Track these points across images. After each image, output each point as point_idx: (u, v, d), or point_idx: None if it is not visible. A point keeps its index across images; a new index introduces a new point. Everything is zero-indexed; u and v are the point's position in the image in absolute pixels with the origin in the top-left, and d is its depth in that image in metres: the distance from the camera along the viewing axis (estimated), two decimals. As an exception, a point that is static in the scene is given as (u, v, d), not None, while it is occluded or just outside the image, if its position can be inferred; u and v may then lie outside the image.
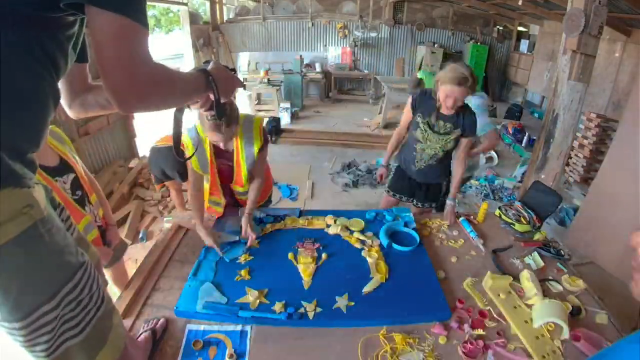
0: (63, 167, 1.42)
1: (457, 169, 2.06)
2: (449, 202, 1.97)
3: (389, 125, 6.31)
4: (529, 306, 1.35)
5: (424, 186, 2.21)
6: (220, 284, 1.40)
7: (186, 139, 1.61)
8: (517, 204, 1.98)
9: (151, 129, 6.47)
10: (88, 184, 1.55)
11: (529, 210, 1.92)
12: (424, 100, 1.97)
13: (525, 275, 1.44)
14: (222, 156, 1.71)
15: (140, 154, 5.20)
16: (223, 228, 1.75)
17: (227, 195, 1.85)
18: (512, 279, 1.46)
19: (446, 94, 1.79)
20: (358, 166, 4.76)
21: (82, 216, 1.46)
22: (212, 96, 0.94)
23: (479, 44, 8.31)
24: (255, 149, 1.67)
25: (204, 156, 1.65)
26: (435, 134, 1.96)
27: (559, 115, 2.73)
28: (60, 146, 1.46)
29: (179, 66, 10.22)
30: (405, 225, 1.81)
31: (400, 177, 2.27)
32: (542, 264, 1.58)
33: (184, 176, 2.72)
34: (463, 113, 1.92)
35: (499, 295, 1.40)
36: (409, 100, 2.02)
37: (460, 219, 1.91)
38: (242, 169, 1.72)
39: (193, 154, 1.49)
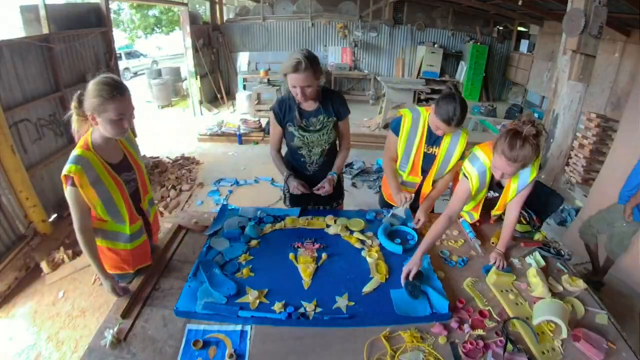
0: (126, 165, 1.47)
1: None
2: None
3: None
4: (532, 303, 1.36)
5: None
6: (219, 283, 1.40)
7: None
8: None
9: (151, 129, 6.48)
10: (145, 186, 1.57)
11: (529, 210, 1.92)
12: (285, 107, 1.85)
13: (532, 272, 1.47)
14: None
15: (140, 154, 5.21)
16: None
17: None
18: (515, 277, 1.48)
19: (292, 84, 1.68)
20: (352, 166, 4.76)
21: (135, 219, 1.48)
22: None
23: (479, 44, 8.31)
24: None
25: None
26: (313, 132, 1.87)
27: (559, 115, 2.73)
28: (129, 146, 1.52)
29: (179, 66, 10.23)
30: (404, 224, 1.81)
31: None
32: (543, 263, 1.58)
33: None
34: (328, 98, 1.85)
35: (502, 291, 1.41)
36: (271, 115, 1.89)
37: (461, 219, 1.91)
38: None
39: None
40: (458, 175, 1.84)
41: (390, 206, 2.14)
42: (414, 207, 2.00)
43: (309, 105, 1.84)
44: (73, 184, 1.26)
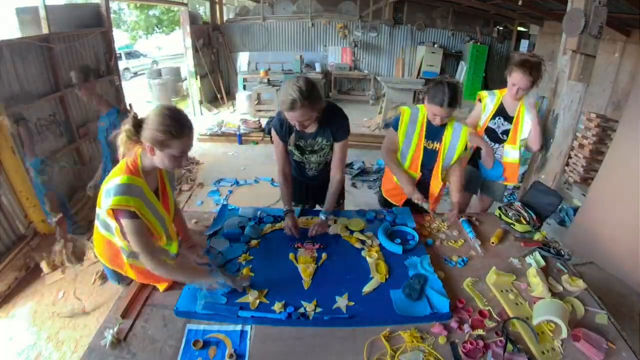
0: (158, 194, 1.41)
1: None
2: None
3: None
4: (532, 303, 1.36)
5: (318, 188, 2.07)
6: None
7: None
8: (517, 204, 1.98)
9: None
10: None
11: (529, 210, 1.92)
12: (285, 127, 1.79)
13: (532, 271, 1.47)
14: None
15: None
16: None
17: None
18: (515, 277, 1.48)
19: (289, 118, 1.66)
20: (352, 166, 4.76)
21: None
22: None
23: (479, 44, 8.31)
24: None
25: None
26: (311, 154, 1.88)
27: (559, 115, 2.72)
28: (165, 177, 1.47)
29: (179, 66, 10.22)
30: (405, 224, 1.81)
31: (299, 186, 2.09)
32: (543, 263, 1.58)
33: None
34: (328, 120, 1.77)
35: (502, 291, 1.41)
36: (274, 133, 1.85)
37: (461, 219, 1.91)
38: None
39: None
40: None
41: (389, 205, 2.15)
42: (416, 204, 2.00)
43: (308, 128, 1.77)
44: (135, 217, 1.21)
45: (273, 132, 1.85)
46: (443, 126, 1.89)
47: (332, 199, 1.86)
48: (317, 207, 2.15)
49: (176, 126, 1.19)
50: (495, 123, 2.22)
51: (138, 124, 1.22)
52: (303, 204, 2.13)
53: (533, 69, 1.98)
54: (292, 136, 1.81)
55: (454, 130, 1.89)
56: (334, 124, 1.78)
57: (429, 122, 1.90)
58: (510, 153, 2.22)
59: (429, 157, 1.96)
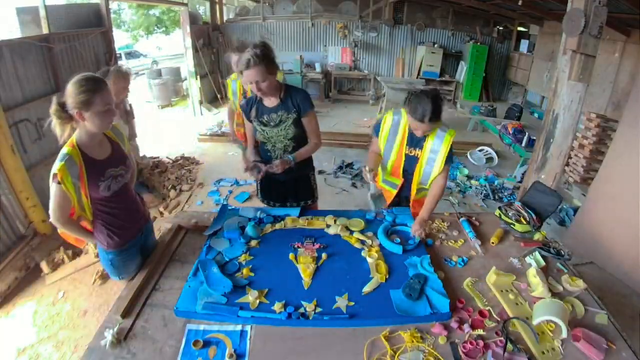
0: (116, 158, 1.53)
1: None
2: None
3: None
4: (532, 303, 1.36)
5: (293, 182, 2.11)
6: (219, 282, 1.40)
7: None
8: (517, 204, 1.98)
9: (151, 129, 6.48)
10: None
11: (529, 210, 1.92)
12: (251, 104, 1.93)
13: (532, 272, 1.47)
14: None
15: (140, 154, 5.19)
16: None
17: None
18: (515, 277, 1.48)
19: (245, 80, 1.77)
20: (352, 166, 4.76)
21: None
22: None
23: (479, 44, 8.31)
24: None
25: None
26: (272, 127, 1.91)
27: (559, 115, 2.72)
28: (115, 137, 1.58)
29: (179, 66, 10.22)
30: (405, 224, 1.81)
31: (268, 182, 2.13)
32: (543, 263, 1.58)
33: None
34: (290, 95, 1.87)
35: (502, 291, 1.41)
36: (242, 113, 2.00)
37: (461, 219, 1.91)
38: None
39: None
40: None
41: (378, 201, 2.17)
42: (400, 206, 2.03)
43: (270, 102, 1.89)
44: (59, 182, 1.30)
45: (242, 113, 1.97)
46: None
47: (303, 150, 1.97)
48: (287, 206, 2.19)
49: (91, 82, 1.32)
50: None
51: (62, 103, 1.33)
52: (274, 202, 2.20)
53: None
54: (253, 109, 1.90)
55: (436, 137, 1.80)
56: (297, 96, 1.88)
57: (410, 129, 1.84)
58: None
59: (411, 164, 1.91)
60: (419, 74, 8.32)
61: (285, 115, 1.88)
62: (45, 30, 3.54)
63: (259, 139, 1.98)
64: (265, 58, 1.68)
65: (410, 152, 1.89)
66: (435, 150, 1.81)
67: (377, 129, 1.97)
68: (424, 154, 1.85)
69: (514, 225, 1.87)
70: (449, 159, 1.81)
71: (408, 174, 1.96)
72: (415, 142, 1.86)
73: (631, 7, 3.73)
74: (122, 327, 1.24)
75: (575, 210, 3.62)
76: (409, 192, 2.00)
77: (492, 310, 1.34)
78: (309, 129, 1.96)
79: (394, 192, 2.02)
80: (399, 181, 1.99)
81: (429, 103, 1.62)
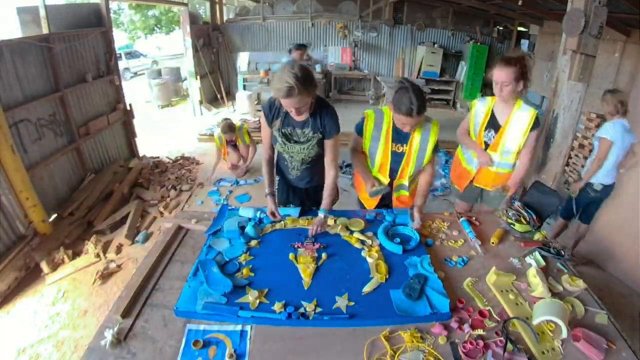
0: None
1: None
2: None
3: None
4: (532, 303, 1.36)
5: (304, 190, 2.09)
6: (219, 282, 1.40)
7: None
8: (517, 204, 1.98)
9: (151, 129, 6.48)
10: None
11: (529, 210, 1.92)
12: (275, 111, 1.79)
13: (532, 271, 1.47)
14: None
15: (140, 154, 5.20)
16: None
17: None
18: (515, 277, 1.48)
19: (284, 105, 1.66)
20: (352, 166, 4.76)
21: None
22: None
23: (479, 44, 8.30)
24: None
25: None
26: (295, 144, 1.83)
27: (559, 115, 2.72)
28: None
29: (179, 66, 10.23)
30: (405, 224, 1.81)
31: (283, 188, 2.13)
32: (543, 263, 1.57)
33: None
34: (319, 112, 1.76)
35: (502, 291, 1.41)
36: (261, 114, 1.85)
37: (461, 219, 1.91)
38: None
39: None
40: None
41: (364, 206, 2.15)
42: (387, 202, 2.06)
43: (298, 116, 1.76)
44: None
45: (261, 115, 1.85)
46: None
47: (327, 194, 1.84)
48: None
49: None
50: (487, 135, 2.15)
51: None
52: (292, 205, 2.12)
53: (512, 61, 1.88)
54: (277, 120, 1.79)
55: (423, 130, 1.82)
56: (324, 117, 1.77)
57: (394, 125, 1.84)
58: (495, 161, 2.14)
59: (398, 160, 1.92)
60: (419, 74, 8.33)
61: (311, 134, 1.80)
62: (45, 30, 3.55)
63: (277, 149, 1.90)
64: (305, 83, 1.55)
65: (398, 149, 1.91)
66: (423, 144, 1.85)
67: (359, 128, 1.96)
68: (412, 148, 1.87)
69: (514, 225, 1.87)
70: (436, 148, 1.87)
71: (395, 171, 1.96)
72: (401, 137, 1.88)
73: (631, 7, 3.72)
74: (122, 327, 1.24)
75: (575, 210, 3.61)
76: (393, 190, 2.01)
77: (492, 310, 1.34)
78: (329, 153, 1.83)
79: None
80: (387, 179, 1.99)
81: (413, 96, 1.63)
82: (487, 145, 2.15)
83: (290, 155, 1.90)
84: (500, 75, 1.89)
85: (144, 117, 7.02)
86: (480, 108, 2.16)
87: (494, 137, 2.10)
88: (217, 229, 1.77)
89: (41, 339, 2.30)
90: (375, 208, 2.06)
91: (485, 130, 2.14)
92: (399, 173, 1.95)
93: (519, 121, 2.02)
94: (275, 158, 2.03)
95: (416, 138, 1.84)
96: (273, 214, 1.81)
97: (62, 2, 8.91)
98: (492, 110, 2.11)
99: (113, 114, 4.60)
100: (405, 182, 1.98)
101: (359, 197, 2.23)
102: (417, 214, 1.82)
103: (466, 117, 2.25)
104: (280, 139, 1.83)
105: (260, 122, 1.90)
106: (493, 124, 2.11)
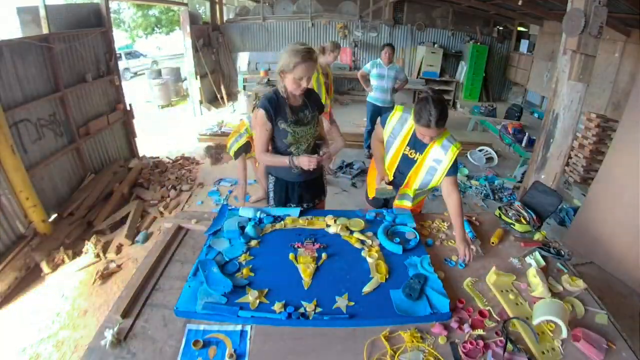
0: None
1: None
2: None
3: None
4: (532, 303, 1.36)
5: (310, 182, 2.08)
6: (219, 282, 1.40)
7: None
8: (517, 204, 1.98)
9: (151, 129, 6.48)
10: None
11: (529, 210, 1.92)
12: (275, 105, 1.80)
13: (532, 271, 1.47)
14: None
15: (140, 154, 5.20)
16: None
17: None
18: (515, 277, 1.48)
19: (300, 75, 1.72)
20: (352, 166, 4.76)
21: None
22: None
23: (479, 44, 8.31)
24: None
25: None
26: (304, 126, 1.88)
27: (559, 115, 2.73)
28: None
29: (179, 66, 10.22)
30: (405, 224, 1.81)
31: (280, 187, 2.07)
32: (543, 263, 1.58)
33: None
34: (307, 94, 1.89)
35: (502, 291, 1.41)
36: (261, 113, 1.79)
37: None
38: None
39: None
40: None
41: (375, 204, 2.15)
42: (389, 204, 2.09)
43: (295, 101, 1.86)
44: None
45: (260, 114, 1.79)
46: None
47: (337, 146, 2.09)
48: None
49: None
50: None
51: None
52: (287, 203, 2.11)
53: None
54: (286, 112, 1.82)
55: (442, 146, 1.76)
56: (312, 96, 1.93)
57: (415, 132, 1.79)
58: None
59: (406, 164, 1.90)
60: (419, 74, 8.33)
61: (310, 113, 1.90)
62: (45, 30, 3.54)
63: (288, 142, 1.87)
64: (315, 52, 1.73)
65: (410, 154, 1.87)
66: (437, 159, 1.78)
67: (384, 120, 1.95)
68: (424, 160, 1.83)
69: (514, 225, 1.87)
70: (454, 169, 1.78)
71: (399, 172, 1.94)
72: (418, 145, 1.83)
73: (631, 7, 3.73)
74: (122, 327, 1.24)
75: (575, 210, 3.62)
76: (395, 188, 1.98)
77: (492, 310, 1.34)
78: (326, 119, 2.07)
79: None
80: (391, 177, 1.99)
81: (433, 108, 1.58)
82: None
83: (298, 144, 1.89)
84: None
85: (144, 117, 7.02)
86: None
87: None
88: (217, 229, 1.77)
89: (41, 339, 2.30)
90: (377, 208, 2.06)
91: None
92: (406, 180, 1.92)
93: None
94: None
95: (432, 152, 1.79)
96: (310, 160, 1.78)
97: (62, 2, 8.91)
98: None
99: (113, 114, 4.60)
100: (410, 194, 1.96)
101: (368, 195, 2.22)
102: (464, 247, 1.63)
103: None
104: (290, 128, 1.83)
105: (254, 123, 1.86)
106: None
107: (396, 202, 2.03)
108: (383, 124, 1.94)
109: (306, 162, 1.79)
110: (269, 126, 1.83)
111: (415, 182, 1.90)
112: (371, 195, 2.11)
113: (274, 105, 1.81)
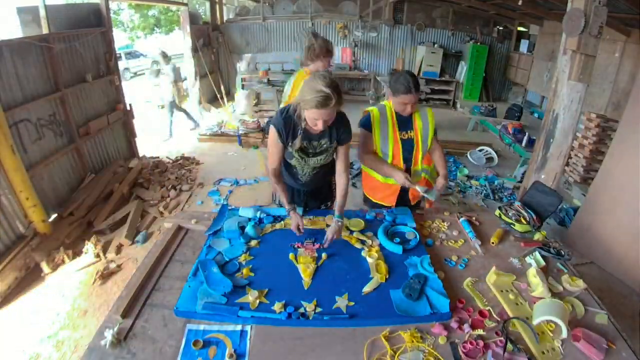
0: None
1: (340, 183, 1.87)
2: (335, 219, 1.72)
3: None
4: (532, 303, 1.36)
5: (311, 193, 2.07)
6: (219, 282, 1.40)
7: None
8: (517, 204, 1.98)
9: (151, 129, 6.48)
10: None
11: (529, 210, 1.92)
12: (290, 127, 1.67)
13: (532, 271, 1.47)
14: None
15: (140, 154, 5.20)
16: None
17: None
18: (515, 277, 1.48)
19: (314, 117, 1.54)
20: (352, 166, 4.76)
21: None
22: None
23: (479, 44, 8.31)
24: None
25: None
26: (312, 157, 1.78)
27: (559, 115, 2.72)
28: None
29: (179, 66, 10.22)
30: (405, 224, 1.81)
31: (289, 192, 1.99)
32: (543, 263, 1.58)
33: None
34: (334, 122, 1.65)
35: (502, 291, 1.41)
36: (273, 131, 1.69)
37: (461, 219, 1.91)
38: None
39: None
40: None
41: (375, 205, 2.14)
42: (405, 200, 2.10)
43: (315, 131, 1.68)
44: None
45: (272, 131, 1.70)
46: (410, 115, 1.98)
47: (342, 201, 1.82)
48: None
49: None
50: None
51: None
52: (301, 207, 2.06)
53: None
54: (297, 139, 1.68)
55: (421, 115, 2.01)
56: (338, 125, 1.71)
57: (397, 115, 1.97)
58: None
59: (408, 147, 2.01)
60: (419, 74, 8.33)
61: (328, 144, 1.76)
62: (45, 30, 3.54)
63: (292, 163, 1.83)
64: (340, 91, 1.50)
65: (404, 136, 2.00)
66: (425, 126, 2.01)
67: (367, 124, 1.99)
68: (418, 133, 2.00)
69: (514, 225, 1.87)
70: (435, 131, 2.05)
71: (407, 160, 2.02)
72: (405, 124, 1.99)
73: (631, 7, 3.73)
74: (122, 327, 1.24)
75: (575, 210, 3.61)
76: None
77: (492, 310, 1.34)
78: (342, 160, 1.82)
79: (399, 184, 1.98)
80: (402, 167, 2.00)
81: (408, 76, 1.84)
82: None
83: (301, 167, 1.84)
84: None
85: (143, 117, 7.02)
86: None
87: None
88: (217, 229, 1.77)
89: (41, 339, 2.30)
90: (395, 206, 2.07)
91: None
92: (412, 160, 2.03)
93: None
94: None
95: (418, 123, 2.00)
96: (298, 228, 1.70)
97: (62, 2, 8.90)
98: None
99: (113, 114, 4.60)
100: (419, 167, 2.07)
101: (367, 196, 2.23)
102: (442, 180, 1.97)
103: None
104: (297, 154, 1.75)
105: (258, 122, 1.85)
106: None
107: (416, 181, 2.02)
108: (367, 126, 1.99)
109: (294, 226, 1.70)
110: (281, 146, 1.74)
111: (420, 155, 2.03)
112: (388, 201, 2.11)
113: (288, 126, 1.66)
